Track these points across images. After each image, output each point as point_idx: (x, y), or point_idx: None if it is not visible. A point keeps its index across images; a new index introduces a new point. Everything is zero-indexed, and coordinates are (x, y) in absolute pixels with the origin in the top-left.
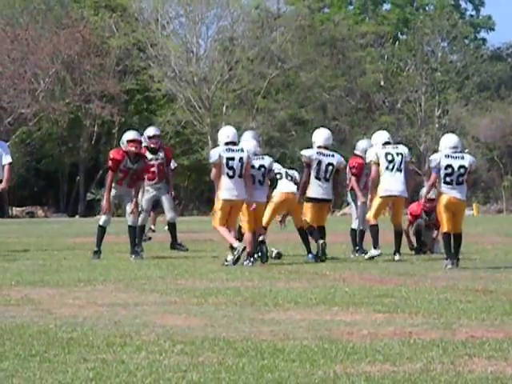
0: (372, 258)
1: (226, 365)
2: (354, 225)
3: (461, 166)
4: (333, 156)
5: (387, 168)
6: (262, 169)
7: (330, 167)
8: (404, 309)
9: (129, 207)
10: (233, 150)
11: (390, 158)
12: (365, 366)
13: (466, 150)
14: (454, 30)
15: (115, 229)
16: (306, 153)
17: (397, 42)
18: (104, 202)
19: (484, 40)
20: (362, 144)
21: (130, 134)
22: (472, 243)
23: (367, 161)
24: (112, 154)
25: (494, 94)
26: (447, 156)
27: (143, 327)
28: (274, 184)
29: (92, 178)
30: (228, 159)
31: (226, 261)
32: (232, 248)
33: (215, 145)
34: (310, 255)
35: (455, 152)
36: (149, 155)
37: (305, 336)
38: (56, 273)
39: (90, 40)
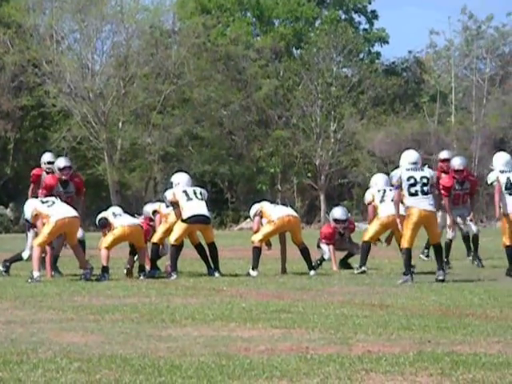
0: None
1: (123, 382)
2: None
3: (422, 177)
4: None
5: None
6: None
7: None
8: (301, 324)
9: None
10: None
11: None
12: (262, 382)
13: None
14: (349, 44)
15: (11, 246)
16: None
17: (291, 57)
18: None
19: (378, 54)
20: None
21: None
22: (369, 258)
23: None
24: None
25: (389, 109)
26: (408, 169)
27: (40, 345)
28: None
29: None
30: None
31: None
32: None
33: (111, 161)
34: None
35: (415, 167)
36: (59, 187)
37: (202, 352)
38: None
39: None
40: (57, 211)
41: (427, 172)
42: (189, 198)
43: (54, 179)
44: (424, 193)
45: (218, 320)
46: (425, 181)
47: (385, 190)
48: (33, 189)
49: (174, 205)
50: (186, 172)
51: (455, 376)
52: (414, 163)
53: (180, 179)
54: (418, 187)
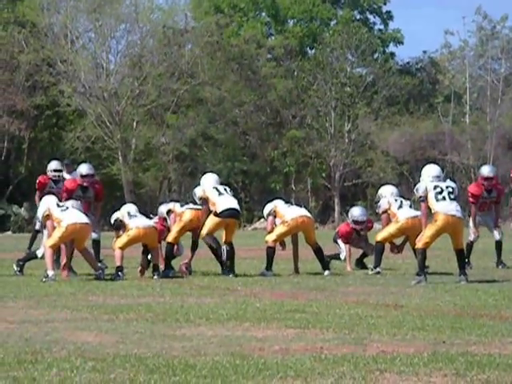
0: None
1: (138, 381)
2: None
3: (448, 186)
4: None
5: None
6: None
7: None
8: (315, 324)
9: None
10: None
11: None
12: (276, 382)
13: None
14: (363, 44)
15: (25, 245)
16: None
17: (305, 57)
18: None
19: (393, 54)
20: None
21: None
22: (383, 258)
23: None
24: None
25: (403, 109)
26: (432, 181)
27: (54, 344)
28: None
29: (2, 194)
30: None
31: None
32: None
33: (125, 160)
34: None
35: (439, 180)
36: (79, 192)
37: (216, 352)
38: None
39: None
40: (69, 216)
41: (450, 183)
42: (220, 193)
43: (74, 183)
44: (451, 198)
45: (233, 320)
46: (450, 189)
47: (402, 201)
48: (40, 196)
49: (204, 201)
50: (214, 172)
51: (470, 376)
52: (437, 177)
53: (208, 179)
54: (445, 194)
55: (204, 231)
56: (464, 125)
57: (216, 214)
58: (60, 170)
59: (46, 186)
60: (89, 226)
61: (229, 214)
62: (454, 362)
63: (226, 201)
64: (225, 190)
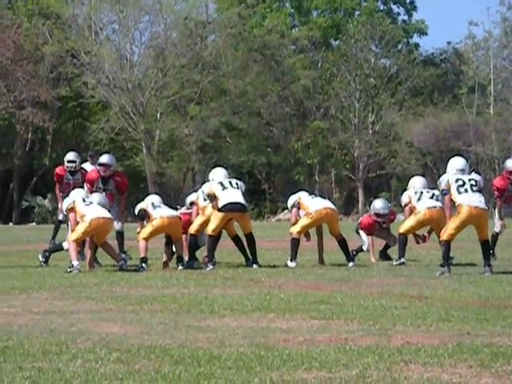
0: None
1: (163, 372)
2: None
3: (470, 179)
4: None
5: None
6: None
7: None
8: (340, 315)
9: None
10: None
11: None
12: (301, 373)
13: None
14: (386, 35)
15: (50, 236)
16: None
17: (329, 48)
18: None
19: (417, 45)
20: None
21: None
22: (407, 249)
23: None
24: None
25: (427, 100)
26: (455, 174)
27: (79, 335)
28: None
29: (26, 185)
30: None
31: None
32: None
33: (149, 151)
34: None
35: (463, 174)
36: (99, 183)
37: (241, 343)
38: None
39: (24, 47)
40: (92, 211)
41: (474, 176)
42: (224, 188)
43: (95, 173)
44: (473, 190)
45: (257, 311)
46: (473, 182)
47: (422, 192)
48: (59, 188)
49: (211, 197)
50: (223, 166)
51: (494, 367)
52: (462, 170)
53: (216, 174)
54: (467, 186)
55: (209, 228)
56: (488, 116)
57: (218, 209)
58: (74, 161)
59: (63, 177)
60: (111, 221)
61: (230, 208)
62: (478, 353)
63: (227, 195)
64: (230, 183)
